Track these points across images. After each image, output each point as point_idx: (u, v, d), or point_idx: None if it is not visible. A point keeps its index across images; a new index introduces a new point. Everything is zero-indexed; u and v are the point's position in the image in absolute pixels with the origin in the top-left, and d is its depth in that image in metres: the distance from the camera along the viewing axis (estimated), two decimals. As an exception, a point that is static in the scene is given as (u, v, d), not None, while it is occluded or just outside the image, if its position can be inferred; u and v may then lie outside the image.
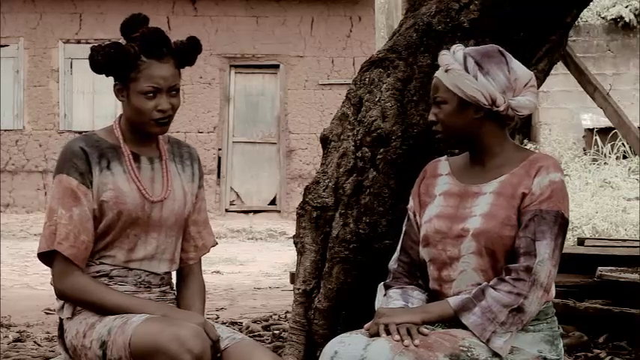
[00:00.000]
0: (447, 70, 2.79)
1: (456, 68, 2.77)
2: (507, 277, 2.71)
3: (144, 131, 2.90)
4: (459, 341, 2.66)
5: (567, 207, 2.77)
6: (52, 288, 2.90)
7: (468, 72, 2.76)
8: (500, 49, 2.84)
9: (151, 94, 2.82)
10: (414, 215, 2.93)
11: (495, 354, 2.68)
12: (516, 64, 2.81)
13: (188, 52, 2.88)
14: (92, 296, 2.84)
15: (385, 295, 2.90)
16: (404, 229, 2.96)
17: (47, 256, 2.88)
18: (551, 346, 2.78)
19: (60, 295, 2.89)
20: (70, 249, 2.82)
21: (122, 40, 2.87)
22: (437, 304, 2.77)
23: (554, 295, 2.83)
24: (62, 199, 2.83)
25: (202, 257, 3.07)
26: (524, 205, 2.75)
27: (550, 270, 2.72)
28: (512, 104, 2.77)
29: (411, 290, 2.87)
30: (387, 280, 2.94)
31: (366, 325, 2.74)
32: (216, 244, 3.12)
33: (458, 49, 2.83)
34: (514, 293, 2.69)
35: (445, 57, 2.82)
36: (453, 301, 2.73)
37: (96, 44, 2.87)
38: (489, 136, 2.82)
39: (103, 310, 2.84)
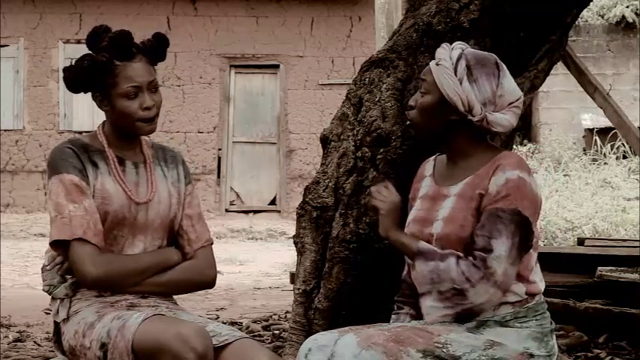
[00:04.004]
0: (437, 64, 2.79)
1: (446, 66, 2.77)
2: (469, 257, 2.68)
3: (132, 134, 2.94)
4: (435, 337, 2.66)
5: (527, 205, 2.70)
6: (80, 279, 2.86)
7: (456, 74, 2.76)
8: (499, 61, 2.82)
9: (133, 95, 2.88)
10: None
11: (474, 350, 2.67)
12: (508, 81, 2.79)
13: (157, 48, 2.95)
14: (128, 265, 2.88)
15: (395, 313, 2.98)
16: None
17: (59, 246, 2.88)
18: (539, 342, 2.76)
19: (97, 280, 2.85)
20: (95, 238, 2.84)
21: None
22: (411, 238, 2.80)
23: (542, 290, 2.81)
24: (70, 194, 2.85)
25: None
26: (483, 206, 2.72)
27: (506, 268, 2.67)
28: (489, 118, 2.75)
29: (404, 316, 2.91)
30: (397, 295, 2.98)
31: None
32: (212, 242, 3.12)
33: (457, 47, 2.82)
34: (464, 275, 2.67)
35: (441, 51, 2.82)
36: (423, 245, 2.76)
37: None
38: (461, 139, 2.82)
39: (141, 274, 2.88)
